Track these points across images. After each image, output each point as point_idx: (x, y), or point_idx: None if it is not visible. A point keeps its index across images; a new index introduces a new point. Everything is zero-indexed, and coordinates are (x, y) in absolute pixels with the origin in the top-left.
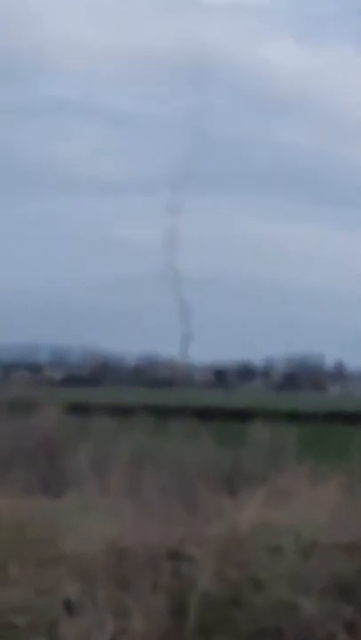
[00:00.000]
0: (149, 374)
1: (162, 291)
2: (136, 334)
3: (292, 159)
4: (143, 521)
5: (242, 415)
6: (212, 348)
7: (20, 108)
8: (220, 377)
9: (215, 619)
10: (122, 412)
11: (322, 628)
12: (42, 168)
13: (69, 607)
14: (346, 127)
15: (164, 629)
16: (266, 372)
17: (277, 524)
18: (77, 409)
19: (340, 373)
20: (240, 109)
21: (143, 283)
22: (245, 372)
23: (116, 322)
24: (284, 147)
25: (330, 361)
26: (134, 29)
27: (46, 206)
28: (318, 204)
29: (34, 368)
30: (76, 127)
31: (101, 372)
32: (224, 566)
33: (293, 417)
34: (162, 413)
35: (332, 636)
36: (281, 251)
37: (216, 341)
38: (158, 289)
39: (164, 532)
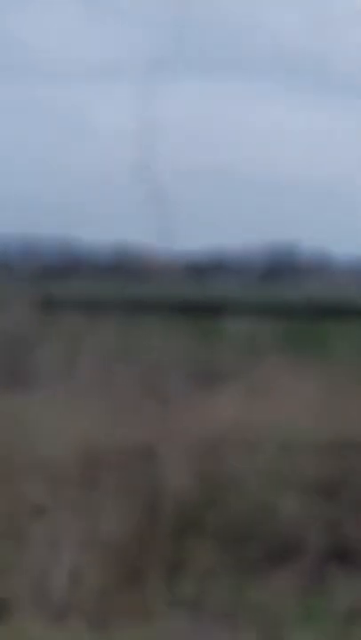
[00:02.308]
0: (123, 267)
1: (138, 181)
2: (110, 226)
3: (287, 42)
4: (115, 419)
5: (219, 308)
6: (188, 239)
7: None
8: (196, 269)
9: (190, 520)
10: (94, 306)
11: (301, 528)
12: (8, 50)
13: (37, 511)
14: (350, 7)
15: (136, 532)
16: (244, 264)
17: (256, 422)
18: (48, 304)
19: (321, 265)
20: None
21: (119, 172)
22: (222, 264)
23: (90, 213)
24: (279, 29)
25: (311, 252)
26: None
27: (15, 92)
28: (316, 92)
29: (1, 261)
30: (48, 5)
31: (73, 266)
32: (199, 465)
33: (273, 310)
34: (135, 307)
35: (312, 536)
36: (272, 139)
37: (192, 233)
38: (135, 179)
39: (136, 431)
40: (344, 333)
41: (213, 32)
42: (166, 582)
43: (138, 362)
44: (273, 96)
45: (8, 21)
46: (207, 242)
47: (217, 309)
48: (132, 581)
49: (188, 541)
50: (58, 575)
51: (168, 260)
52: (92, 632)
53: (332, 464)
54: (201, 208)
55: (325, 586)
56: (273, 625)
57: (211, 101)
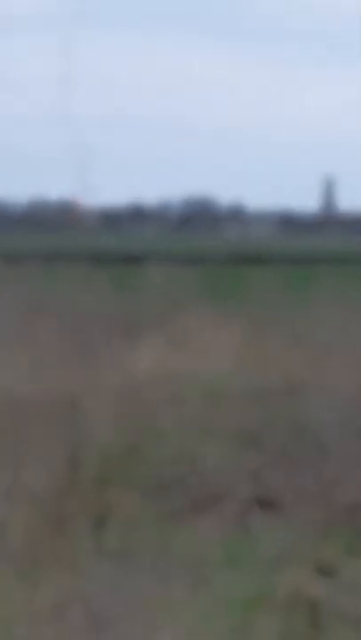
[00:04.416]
0: (40, 218)
1: (55, 131)
2: (26, 177)
3: None
4: (39, 370)
5: (138, 259)
6: (103, 190)
7: None
8: (113, 220)
9: (114, 469)
10: (12, 258)
11: (225, 476)
12: None
13: None
14: None
15: (61, 481)
16: (160, 214)
17: (179, 371)
18: None
19: (237, 215)
20: None
21: (36, 123)
22: (138, 215)
23: (6, 164)
24: None
25: (227, 202)
26: None
27: None
28: (233, 42)
29: None
30: None
31: None
32: (123, 416)
33: (192, 260)
34: (54, 259)
35: (236, 485)
36: (190, 90)
37: (108, 183)
38: (52, 129)
39: (60, 382)
40: (261, 280)
41: None
42: (92, 532)
43: (60, 313)
44: (196, 47)
45: None
46: (125, 192)
47: (136, 259)
48: (58, 531)
49: (113, 490)
50: None
51: (86, 211)
52: (19, 582)
53: (254, 411)
54: (119, 158)
55: (250, 533)
56: (199, 572)
57: (133, 50)
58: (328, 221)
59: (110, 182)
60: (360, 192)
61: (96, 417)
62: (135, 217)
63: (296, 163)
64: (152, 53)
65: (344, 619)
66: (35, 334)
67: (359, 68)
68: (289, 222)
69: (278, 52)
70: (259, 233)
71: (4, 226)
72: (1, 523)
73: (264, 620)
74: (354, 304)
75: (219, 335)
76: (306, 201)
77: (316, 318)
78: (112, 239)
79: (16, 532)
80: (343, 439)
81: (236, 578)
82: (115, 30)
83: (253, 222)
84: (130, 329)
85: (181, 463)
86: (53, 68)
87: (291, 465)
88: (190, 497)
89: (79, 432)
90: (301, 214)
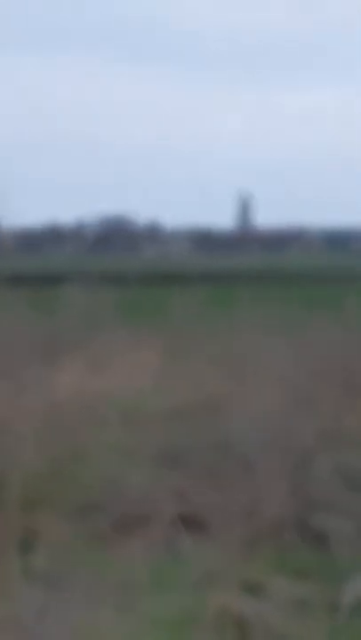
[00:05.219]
0: None
1: None
2: None
3: (106, 16)
4: None
5: (55, 280)
6: (18, 210)
7: None
8: (30, 241)
9: (38, 494)
10: None
11: (150, 498)
12: None
13: None
14: None
15: None
16: (77, 235)
17: (99, 392)
18: None
19: (153, 234)
20: None
21: None
22: (55, 235)
23: None
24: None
25: (143, 221)
26: None
27: None
28: (138, 63)
29: None
30: None
31: None
32: (46, 438)
33: (109, 280)
34: None
35: (161, 505)
36: (105, 110)
37: (22, 204)
38: None
39: None
40: (180, 299)
41: (45, 5)
42: (19, 556)
43: None
44: (110, 67)
45: None
46: (41, 213)
47: (54, 280)
48: None
49: (38, 514)
50: None
51: (3, 232)
52: None
53: (177, 430)
54: (35, 179)
55: (177, 553)
56: (127, 594)
57: (46, 74)
58: (245, 239)
59: (26, 203)
60: (276, 209)
61: (18, 440)
62: (52, 238)
63: (211, 180)
64: (65, 74)
65: (273, 636)
66: None
67: (273, 87)
68: (205, 240)
69: (193, 72)
70: (176, 251)
71: None
72: None
73: None
74: (273, 321)
75: (139, 355)
76: (222, 218)
77: (237, 336)
78: (30, 260)
79: None
80: (266, 456)
81: (165, 599)
82: (27, 54)
83: (170, 241)
84: (49, 351)
85: (105, 485)
86: None
87: (215, 483)
88: (116, 518)
89: (2, 456)
90: (218, 232)
